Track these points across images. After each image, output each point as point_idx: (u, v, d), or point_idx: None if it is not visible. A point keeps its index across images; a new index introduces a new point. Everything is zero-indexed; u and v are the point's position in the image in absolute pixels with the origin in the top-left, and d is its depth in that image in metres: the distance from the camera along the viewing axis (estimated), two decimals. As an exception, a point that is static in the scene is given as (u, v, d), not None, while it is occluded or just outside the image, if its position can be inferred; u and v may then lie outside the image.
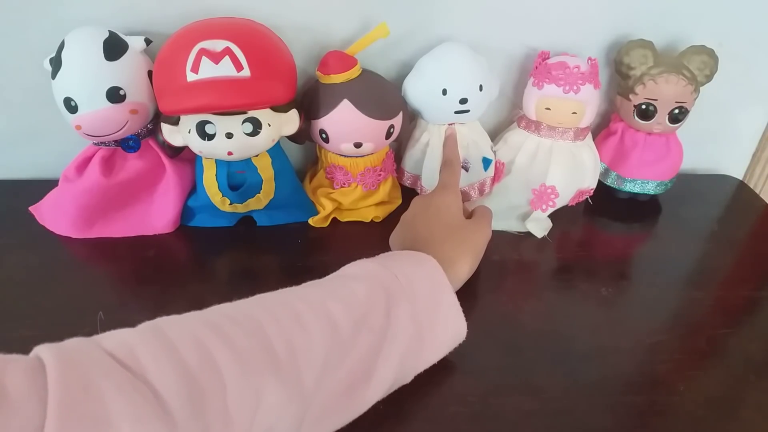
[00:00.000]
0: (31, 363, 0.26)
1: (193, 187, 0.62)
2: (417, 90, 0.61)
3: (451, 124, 0.62)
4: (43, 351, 0.28)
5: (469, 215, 0.54)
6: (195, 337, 0.31)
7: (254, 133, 0.54)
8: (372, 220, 0.64)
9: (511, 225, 0.63)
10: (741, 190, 0.76)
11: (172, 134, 0.55)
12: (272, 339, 0.33)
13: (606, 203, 0.68)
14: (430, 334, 0.42)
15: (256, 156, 0.57)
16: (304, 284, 0.41)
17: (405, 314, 0.40)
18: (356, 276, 0.42)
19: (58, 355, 0.27)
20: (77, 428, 0.25)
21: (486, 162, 0.63)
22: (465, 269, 0.49)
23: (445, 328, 0.44)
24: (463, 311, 0.44)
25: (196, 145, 0.54)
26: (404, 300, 0.40)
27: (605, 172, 0.69)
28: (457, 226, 0.51)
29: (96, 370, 0.27)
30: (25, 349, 0.29)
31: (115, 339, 0.30)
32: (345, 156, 0.60)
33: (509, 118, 0.71)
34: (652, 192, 0.68)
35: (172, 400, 0.28)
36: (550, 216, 0.64)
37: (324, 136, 0.58)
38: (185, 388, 0.28)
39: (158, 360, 0.29)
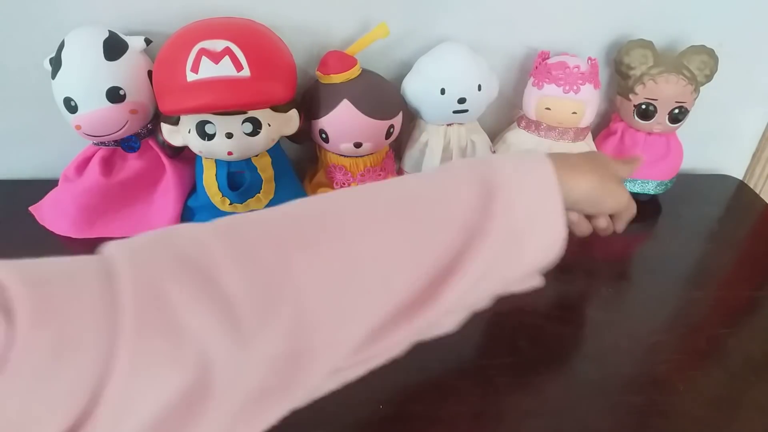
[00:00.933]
0: (103, 268, 0.26)
1: (193, 187, 0.62)
2: (416, 90, 0.61)
3: (450, 125, 0.62)
4: (115, 252, 0.27)
5: None
6: (274, 242, 0.29)
7: (254, 133, 0.54)
8: (372, 220, 0.64)
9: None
10: (741, 190, 0.76)
11: (172, 134, 0.55)
12: (361, 252, 0.31)
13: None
14: (526, 241, 0.36)
15: (256, 156, 0.57)
16: (400, 183, 0.36)
17: (500, 217, 0.34)
18: (455, 174, 0.36)
19: (131, 260, 0.26)
20: (153, 336, 0.24)
21: (486, 162, 0.63)
22: (582, 189, 0.41)
23: (538, 242, 0.37)
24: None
25: (196, 145, 0.54)
26: (501, 202, 0.35)
27: (605, 172, 0.68)
28: (601, 165, 0.44)
29: (168, 275, 0.26)
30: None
31: (190, 234, 0.29)
32: (345, 156, 0.60)
33: (509, 118, 0.71)
34: (652, 192, 0.68)
35: (243, 310, 0.27)
36: (550, 216, 0.64)
37: (324, 136, 0.58)
38: (257, 298, 0.27)
39: (230, 266, 0.27)
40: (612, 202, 0.44)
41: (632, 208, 0.47)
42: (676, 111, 0.62)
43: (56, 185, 0.61)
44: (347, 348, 0.30)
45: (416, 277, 0.32)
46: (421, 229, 0.33)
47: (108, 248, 0.28)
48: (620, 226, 0.49)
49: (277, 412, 0.29)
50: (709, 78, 0.62)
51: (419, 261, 0.33)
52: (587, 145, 0.65)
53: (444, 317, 0.35)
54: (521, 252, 0.36)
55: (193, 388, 0.25)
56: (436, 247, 0.33)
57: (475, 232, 0.34)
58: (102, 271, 0.26)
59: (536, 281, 0.41)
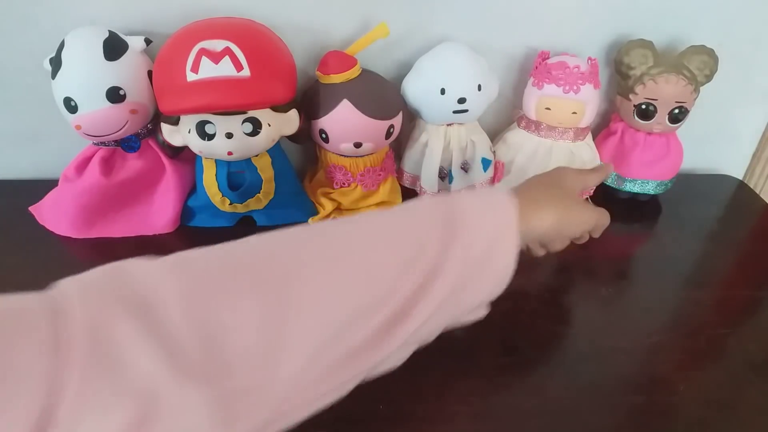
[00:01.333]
0: (49, 307, 0.26)
1: (193, 187, 0.62)
2: (415, 90, 0.61)
3: (450, 125, 0.62)
4: (66, 289, 0.27)
5: None
6: (220, 290, 0.30)
7: (254, 133, 0.54)
8: (372, 220, 0.64)
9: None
10: (741, 190, 0.76)
11: (172, 134, 0.55)
12: (302, 295, 0.32)
13: (606, 203, 0.67)
14: (480, 280, 0.38)
15: (256, 156, 0.57)
16: (360, 222, 0.37)
17: (459, 258, 0.36)
18: (419, 213, 0.38)
19: (81, 297, 0.27)
20: (99, 374, 0.25)
21: (485, 162, 0.63)
22: (545, 225, 0.42)
23: (491, 279, 0.39)
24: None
25: (196, 145, 0.54)
26: (461, 243, 0.36)
27: (605, 172, 0.69)
28: (564, 190, 0.45)
29: (115, 314, 0.27)
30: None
31: (139, 273, 0.29)
32: (345, 156, 0.60)
33: (509, 118, 0.71)
34: (652, 192, 0.68)
35: (187, 350, 0.27)
36: (550, 216, 0.64)
37: (324, 136, 0.58)
38: (204, 344, 0.28)
39: (176, 307, 0.28)
40: (576, 229, 0.46)
41: (602, 223, 0.48)
42: (676, 111, 0.62)
43: (56, 185, 0.61)
44: (288, 388, 0.31)
45: (370, 321, 0.33)
46: (378, 274, 0.34)
47: (60, 284, 0.28)
48: (596, 235, 0.50)
49: None
50: (709, 78, 0.62)
51: (375, 306, 0.33)
52: (587, 145, 0.65)
53: (391, 355, 0.36)
54: (475, 290, 0.38)
55: (136, 425, 0.25)
56: (394, 291, 0.34)
57: (433, 274, 0.35)
58: (48, 309, 0.26)
59: (483, 312, 0.42)
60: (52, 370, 0.24)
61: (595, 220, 0.47)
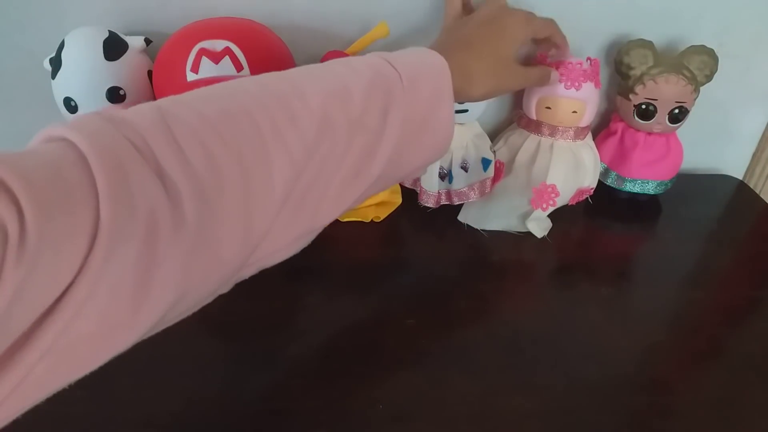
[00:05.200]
0: (75, 156, 0.27)
1: (193, 187, 0.62)
2: (417, 90, 0.61)
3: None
4: (75, 137, 0.28)
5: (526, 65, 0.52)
6: (198, 138, 0.31)
7: (254, 133, 0.54)
8: (372, 220, 0.64)
9: (512, 225, 0.63)
10: (741, 190, 0.76)
11: (172, 134, 0.55)
12: (268, 141, 0.33)
13: (606, 203, 0.68)
14: (417, 142, 0.40)
15: (256, 156, 0.57)
16: (303, 72, 0.39)
17: (399, 118, 0.38)
18: (359, 71, 0.39)
19: (93, 144, 0.28)
20: (123, 217, 0.27)
21: (485, 162, 0.63)
22: (480, 89, 0.46)
23: (432, 139, 0.42)
24: (462, 311, 0.44)
25: (196, 145, 0.54)
26: (403, 103, 0.39)
27: (605, 172, 0.69)
28: (502, 50, 0.48)
29: (127, 159, 0.28)
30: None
31: (129, 126, 0.30)
32: (345, 156, 0.60)
33: (509, 118, 0.71)
34: (652, 192, 0.68)
35: (185, 196, 0.29)
36: (550, 216, 0.64)
37: (324, 136, 0.58)
38: (194, 187, 0.30)
39: (169, 157, 0.30)
40: (515, 84, 0.51)
41: (543, 82, 0.55)
42: (676, 111, 0.62)
43: (56, 185, 0.61)
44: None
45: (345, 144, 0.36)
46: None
47: (60, 132, 0.29)
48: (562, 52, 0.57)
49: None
50: (709, 78, 0.62)
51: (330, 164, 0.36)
52: (587, 144, 0.65)
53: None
54: (421, 139, 0.41)
55: (144, 244, 0.28)
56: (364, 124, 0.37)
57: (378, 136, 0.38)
58: (77, 158, 0.27)
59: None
60: (93, 219, 0.26)
61: (532, 84, 0.51)
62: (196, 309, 0.34)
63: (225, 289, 0.36)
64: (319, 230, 0.39)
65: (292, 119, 0.34)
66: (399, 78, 0.39)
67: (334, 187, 0.37)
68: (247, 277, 0.37)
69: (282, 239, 0.36)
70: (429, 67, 0.41)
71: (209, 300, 0.35)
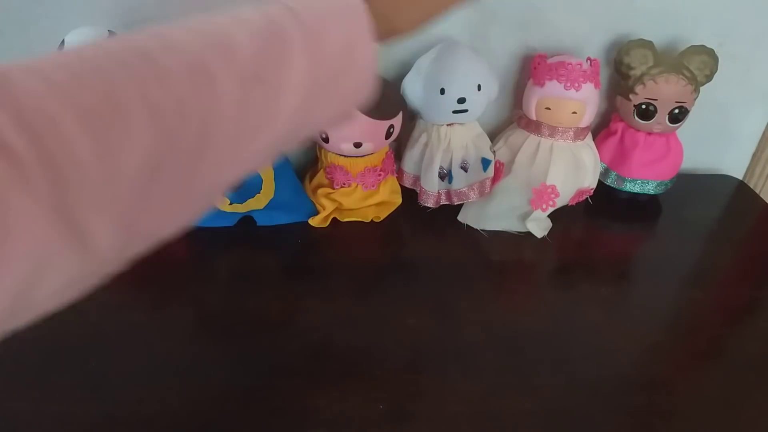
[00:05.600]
0: None
1: (193, 187, 0.62)
2: (415, 89, 0.61)
3: (450, 125, 0.62)
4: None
5: None
6: (40, 104, 0.28)
7: (254, 133, 0.54)
8: (372, 220, 0.64)
9: (511, 225, 0.63)
10: (741, 190, 0.76)
11: (171, 134, 0.55)
12: (128, 104, 0.30)
13: (606, 203, 0.68)
14: (332, 89, 0.38)
15: (256, 156, 0.57)
16: (180, 27, 0.37)
17: (300, 68, 0.35)
18: (250, 20, 0.37)
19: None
20: None
21: (485, 163, 0.63)
22: (408, 15, 0.43)
23: (351, 84, 0.39)
24: (462, 311, 0.44)
25: (196, 145, 0.54)
26: (305, 52, 0.36)
27: (605, 172, 0.69)
28: None
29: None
30: (24, 349, 0.29)
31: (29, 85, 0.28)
32: (345, 156, 0.60)
33: (509, 118, 0.71)
34: (652, 192, 0.68)
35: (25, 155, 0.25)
36: (550, 216, 0.64)
37: (324, 136, 0.58)
38: (35, 145, 0.26)
39: (14, 117, 0.26)
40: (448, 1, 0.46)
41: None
42: (676, 111, 0.62)
43: (56, 185, 0.61)
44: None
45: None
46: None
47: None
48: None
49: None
50: (709, 78, 0.62)
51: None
52: (587, 145, 0.65)
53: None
54: (337, 86, 0.37)
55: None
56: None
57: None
58: None
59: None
60: None
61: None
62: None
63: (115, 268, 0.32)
64: (229, 187, 0.36)
65: (158, 78, 0.31)
66: (300, 24, 0.36)
67: (229, 145, 0.34)
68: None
69: (171, 207, 0.32)
70: (340, 8, 0.38)
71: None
